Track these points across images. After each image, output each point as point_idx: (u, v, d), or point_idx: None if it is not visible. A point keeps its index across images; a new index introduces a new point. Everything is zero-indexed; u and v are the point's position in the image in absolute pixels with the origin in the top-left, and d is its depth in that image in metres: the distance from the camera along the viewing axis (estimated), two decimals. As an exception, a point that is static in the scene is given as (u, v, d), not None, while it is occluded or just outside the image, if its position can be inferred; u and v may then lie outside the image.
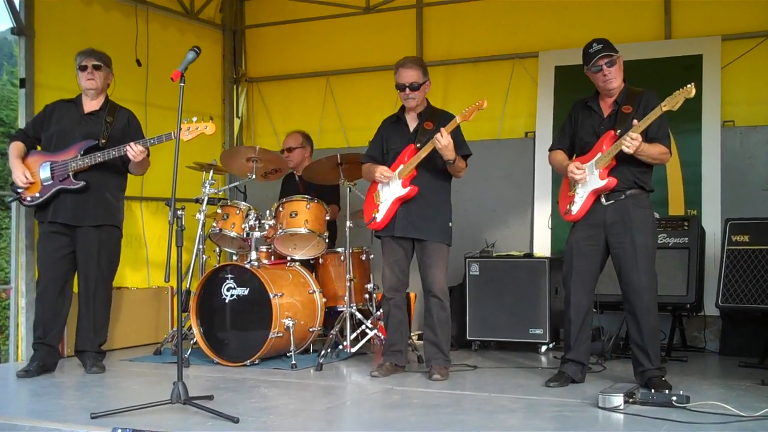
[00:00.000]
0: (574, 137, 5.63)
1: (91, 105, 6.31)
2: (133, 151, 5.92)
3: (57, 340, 6.32)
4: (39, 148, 6.32)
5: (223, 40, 9.33)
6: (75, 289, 6.38)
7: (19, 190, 6.16)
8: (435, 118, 5.95)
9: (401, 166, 5.86)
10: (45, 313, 6.20)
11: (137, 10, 8.05)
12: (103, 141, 6.13)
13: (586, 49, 5.44)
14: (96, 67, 6.25)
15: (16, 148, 6.25)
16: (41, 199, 6.11)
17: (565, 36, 7.95)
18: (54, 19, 7.27)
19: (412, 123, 6.00)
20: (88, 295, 6.24)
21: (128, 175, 6.45)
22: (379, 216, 5.94)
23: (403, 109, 6.09)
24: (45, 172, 6.10)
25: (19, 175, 6.10)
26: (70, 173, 6.05)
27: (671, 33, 7.62)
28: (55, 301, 6.20)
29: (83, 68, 6.25)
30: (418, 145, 5.81)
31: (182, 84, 4.87)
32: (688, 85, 4.95)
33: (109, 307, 6.41)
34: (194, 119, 5.69)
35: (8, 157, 6.29)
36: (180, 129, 5.03)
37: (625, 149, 5.08)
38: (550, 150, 5.82)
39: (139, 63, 7.98)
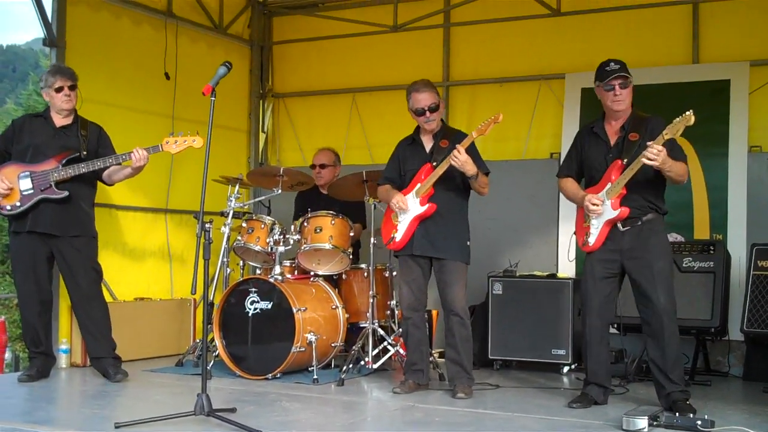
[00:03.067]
0: (582, 164, 5.60)
1: (62, 120, 6.31)
2: (138, 155, 5.96)
3: (51, 347, 6.42)
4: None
5: (251, 56, 9.40)
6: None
7: None
8: (450, 136, 5.98)
9: (418, 185, 5.89)
10: (30, 323, 6.24)
11: (167, 23, 8.12)
12: (84, 153, 6.17)
13: (602, 66, 5.41)
14: (72, 88, 6.27)
15: None
16: (22, 208, 6.09)
17: (591, 58, 7.82)
18: (84, 31, 7.35)
19: (427, 144, 6.03)
20: (84, 306, 6.27)
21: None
22: (398, 236, 5.96)
23: (417, 130, 6.12)
24: (26, 183, 6.09)
25: None
26: (52, 183, 6.06)
27: (699, 57, 7.62)
28: (39, 310, 6.24)
29: (59, 89, 6.23)
30: (434, 164, 5.84)
31: (213, 98, 4.91)
32: (687, 112, 4.86)
33: (108, 312, 6.40)
34: (180, 133, 5.79)
35: None
36: (209, 141, 5.03)
37: (646, 161, 4.98)
38: (559, 176, 5.77)
39: (167, 76, 8.04)
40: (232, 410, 4.95)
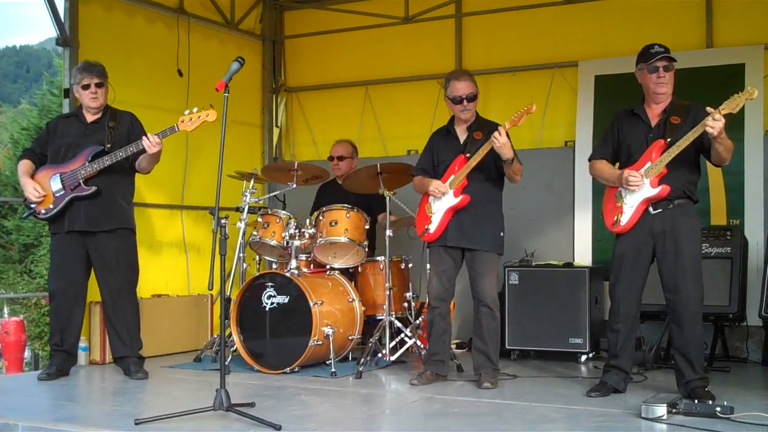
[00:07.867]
0: (619, 146, 5.56)
1: (93, 116, 6.34)
2: (149, 141, 5.95)
3: (75, 347, 6.44)
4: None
5: (263, 50, 9.40)
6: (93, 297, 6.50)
7: (33, 205, 6.20)
8: (484, 128, 5.96)
9: (452, 176, 5.88)
10: (61, 322, 6.28)
11: (179, 21, 8.14)
12: (109, 145, 6.17)
13: (646, 49, 5.40)
14: (99, 85, 6.26)
15: (24, 165, 6.30)
16: (55, 210, 6.15)
17: (604, 45, 7.93)
18: (97, 29, 7.37)
19: (462, 135, 6.02)
20: (115, 303, 6.29)
21: (135, 178, 6.50)
22: (432, 227, 5.95)
23: (451, 121, 6.11)
24: (56, 184, 6.14)
25: (31, 190, 6.15)
26: (81, 180, 6.09)
27: (713, 42, 7.58)
28: (71, 309, 6.28)
29: (86, 87, 6.24)
30: (468, 155, 5.83)
31: (226, 94, 4.90)
32: (749, 88, 4.86)
33: (138, 312, 6.46)
34: (195, 109, 5.76)
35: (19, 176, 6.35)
36: (224, 136, 5.05)
37: (709, 130, 4.91)
38: (592, 159, 5.73)
39: (180, 73, 8.06)
40: (251, 405, 4.95)
